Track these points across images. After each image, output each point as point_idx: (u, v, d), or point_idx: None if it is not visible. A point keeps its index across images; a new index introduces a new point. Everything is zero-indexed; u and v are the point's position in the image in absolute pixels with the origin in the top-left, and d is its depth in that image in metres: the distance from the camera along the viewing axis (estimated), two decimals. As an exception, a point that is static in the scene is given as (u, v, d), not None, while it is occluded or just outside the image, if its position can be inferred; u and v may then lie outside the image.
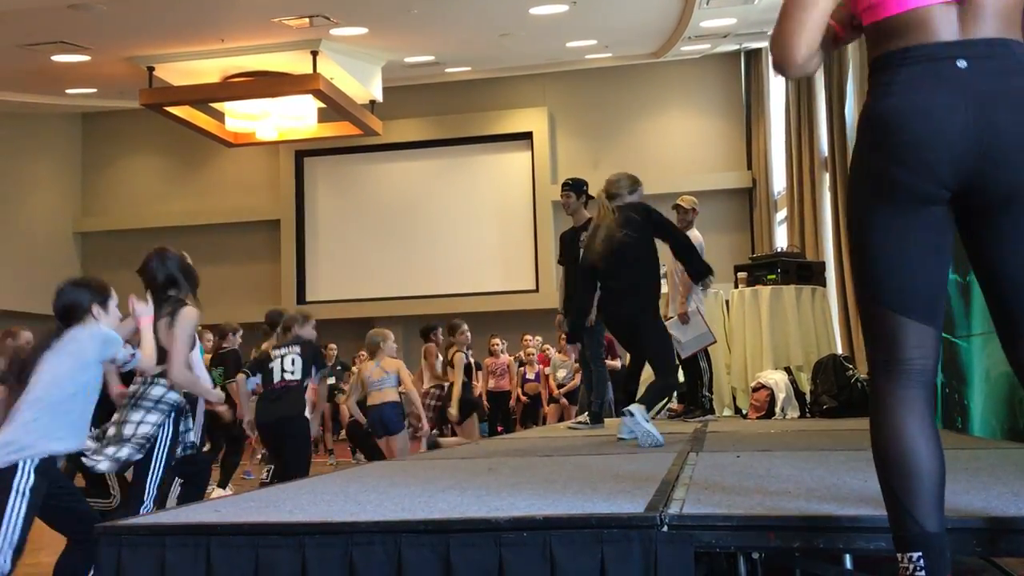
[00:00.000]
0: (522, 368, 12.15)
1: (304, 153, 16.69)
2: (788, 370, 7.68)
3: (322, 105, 12.19)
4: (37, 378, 3.37)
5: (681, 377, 7.64)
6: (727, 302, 8.40)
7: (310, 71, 11.43)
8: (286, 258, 16.54)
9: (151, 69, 11.75)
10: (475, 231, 16.14)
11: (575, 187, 6.56)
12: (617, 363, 9.69)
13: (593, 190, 6.10)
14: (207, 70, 11.90)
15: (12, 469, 3.24)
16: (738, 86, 15.58)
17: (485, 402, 11.72)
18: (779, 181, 13.94)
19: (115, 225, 16.82)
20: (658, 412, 7.08)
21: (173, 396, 3.95)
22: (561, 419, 10.65)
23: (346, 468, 5.73)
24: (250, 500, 3.02)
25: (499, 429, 11.39)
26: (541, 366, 12.05)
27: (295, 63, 11.59)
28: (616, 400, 8.09)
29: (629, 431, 4.64)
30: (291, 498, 2.97)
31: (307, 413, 6.26)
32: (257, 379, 6.23)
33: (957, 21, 1.85)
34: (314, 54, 11.35)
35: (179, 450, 4.07)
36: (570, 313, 5.91)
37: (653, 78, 15.51)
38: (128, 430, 3.86)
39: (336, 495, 3.01)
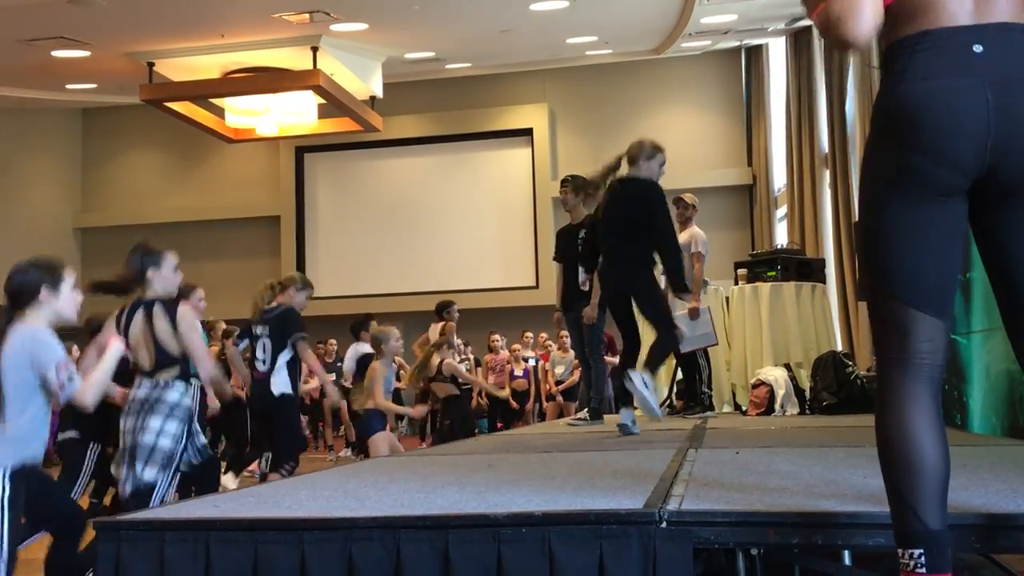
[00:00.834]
0: (509, 365, 11.94)
1: (304, 149, 16.67)
2: (788, 367, 7.68)
3: (322, 101, 12.17)
4: None
5: (680, 375, 7.67)
6: (727, 299, 8.41)
7: (310, 67, 11.41)
8: (286, 254, 16.52)
9: (151, 65, 11.73)
10: (475, 227, 16.13)
11: (574, 184, 6.56)
12: (617, 360, 9.65)
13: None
14: (207, 66, 11.88)
15: None
16: (738, 83, 15.56)
17: (485, 399, 11.72)
18: (779, 178, 13.93)
19: (115, 221, 16.78)
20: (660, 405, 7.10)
21: (188, 402, 3.94)
22: (560, 415, 10.65)
23: (345, 464, 5.73)
24: (249, 496, 3.02)
25: (499, 425, 11.40)
26: (542, 361, 11.93)
27: (295, 59, 11.57)
28: (615, 397, 8.09)
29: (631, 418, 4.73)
30: (290, 494, 2.97)
31: (287, 389, 5.85)
32: (246, 342, 6.10)
33: (972, 4, 1.84)
34: (314, 50, 11.33)
35: (195, 458, 4.07)
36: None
37: (653, 75, 15.49)
38: (148, 438, 3.82)
39: (335, 491, 3.02)
